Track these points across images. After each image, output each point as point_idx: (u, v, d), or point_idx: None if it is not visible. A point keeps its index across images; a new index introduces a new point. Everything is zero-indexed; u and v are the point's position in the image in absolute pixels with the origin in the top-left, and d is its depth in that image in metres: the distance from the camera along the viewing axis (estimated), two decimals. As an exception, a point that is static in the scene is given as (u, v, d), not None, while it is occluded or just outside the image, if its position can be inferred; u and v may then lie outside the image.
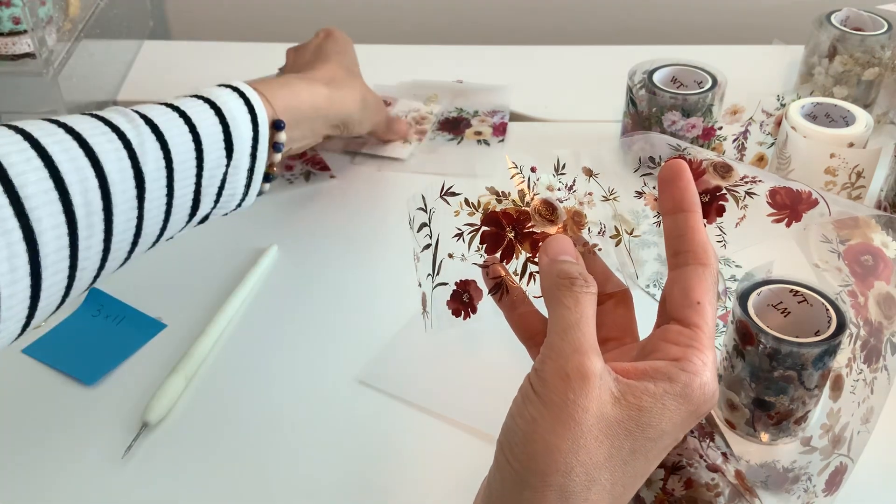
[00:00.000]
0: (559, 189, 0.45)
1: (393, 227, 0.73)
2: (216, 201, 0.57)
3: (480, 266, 0.45)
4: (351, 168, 0.81)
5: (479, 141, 0.84)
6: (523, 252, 0.44)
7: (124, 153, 0.49)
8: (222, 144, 0.56)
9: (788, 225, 0.42)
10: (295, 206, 0.76)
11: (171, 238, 0.56)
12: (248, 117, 0.57)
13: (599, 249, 0.45)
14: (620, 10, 1.16)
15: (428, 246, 0.45)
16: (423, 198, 0.45)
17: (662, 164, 0.42)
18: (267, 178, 0.62)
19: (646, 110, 0.75)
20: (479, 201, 0.44)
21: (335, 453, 0.55)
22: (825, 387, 0.51)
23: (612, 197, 0.46)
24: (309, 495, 0.53)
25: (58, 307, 0.49)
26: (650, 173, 0.45)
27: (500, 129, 0.85)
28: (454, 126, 0.86)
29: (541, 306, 0.43)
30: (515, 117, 0.88)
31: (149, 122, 0.52)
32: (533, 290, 0.44)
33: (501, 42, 1.06)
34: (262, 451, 0.55)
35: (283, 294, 0.67)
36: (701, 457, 0.40)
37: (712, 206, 0.43)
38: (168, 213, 0.53)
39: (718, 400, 0.54)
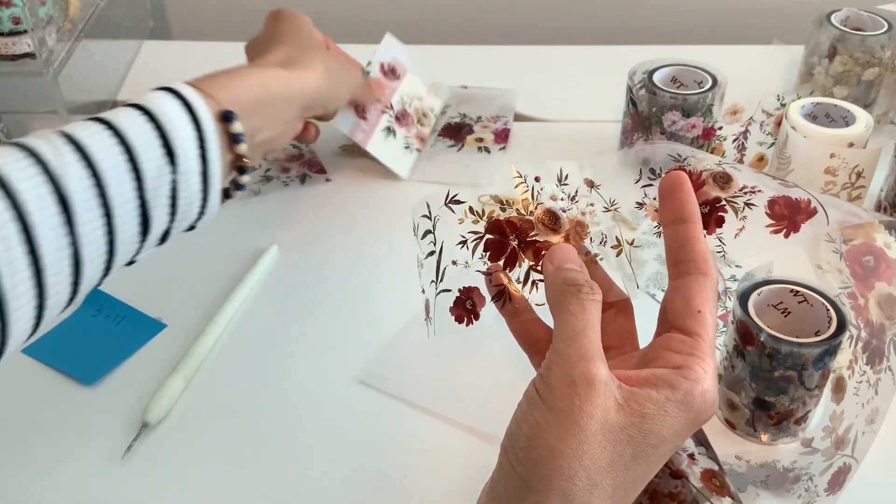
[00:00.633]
0: (562, 199, 0.46)
1: (393, 228, 0.73)
2: (172, 213, 0.52)
3: (484, 273, 0.45)
4: (350, 169, 0.81)
5: (479, 148, 0.83)
6: (526, 260, 0.44)
7: (41, 178, 0.45)
8: (160, 151, 0.50)
9: (787, 236, 0.43)
10: (295, 206, 0.76)
11: (134, 263, 0.53)
12: (186, 116, 0.52)
13: (601, 259, 0.46)
14: (620, 10, 1.16)
15: (432, 253, 0.46)
16: (428, 205, 0.46)
17: (663, 175, 0.43)
18: (243, 170, 0.57)
19: (646, 110, 0.75)
20: (483, 210, 0.45)
21: (335, 453, 0.55)
22: (826, 388, 0.51)
23: (613, 208, 0.46)
24: (309, 495, 0.53)
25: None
26: (651, 184, 0.45)
27: (502, 136, 0.84)
28: (456, 132, 0.85)
29: (543, 314, 0.43)
30: (515, 117, 0.88)
31: (71, 139, 0.48)
32: (536, 297, 0.44)
33: (501, 42, 1.06)
34: (261, 451, 0.55)
35: (283, 294, 0.67)
36: (666, 465, 0.40)
37: (712, 216, 0.44)
38: (111, 234, 0.48)
39: (719, 400, 0.54)
